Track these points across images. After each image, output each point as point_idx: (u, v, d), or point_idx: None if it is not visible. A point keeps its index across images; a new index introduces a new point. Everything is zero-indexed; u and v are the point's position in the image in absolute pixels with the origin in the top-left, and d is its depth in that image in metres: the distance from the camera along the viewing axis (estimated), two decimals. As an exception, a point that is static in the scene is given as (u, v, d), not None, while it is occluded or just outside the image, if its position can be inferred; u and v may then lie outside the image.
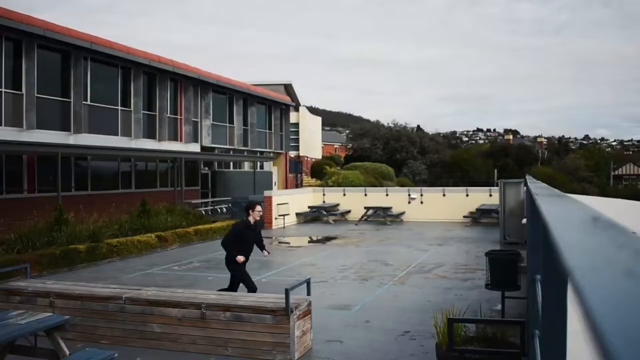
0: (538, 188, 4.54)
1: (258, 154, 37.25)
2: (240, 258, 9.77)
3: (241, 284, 9.74)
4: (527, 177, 15.87)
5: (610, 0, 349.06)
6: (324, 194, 29.73)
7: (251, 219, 10.04)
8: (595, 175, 70.70)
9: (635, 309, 0.49)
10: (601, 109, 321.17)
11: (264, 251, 10.66)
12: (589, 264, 0.70)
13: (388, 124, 64.05)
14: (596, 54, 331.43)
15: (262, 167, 37.84)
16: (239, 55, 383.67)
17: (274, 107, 39.75)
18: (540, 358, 3.24)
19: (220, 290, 9.55)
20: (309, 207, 27.98)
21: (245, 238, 9.95)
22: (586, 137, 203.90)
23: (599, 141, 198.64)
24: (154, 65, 26.28)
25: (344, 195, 29.40)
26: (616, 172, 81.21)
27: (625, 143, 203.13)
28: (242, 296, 8.51)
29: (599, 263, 0.70)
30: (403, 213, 27.97)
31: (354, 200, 28.69)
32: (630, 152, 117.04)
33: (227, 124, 33.85)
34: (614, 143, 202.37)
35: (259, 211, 10.21)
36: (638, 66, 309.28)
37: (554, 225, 1.24)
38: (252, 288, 9.56)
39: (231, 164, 35.57)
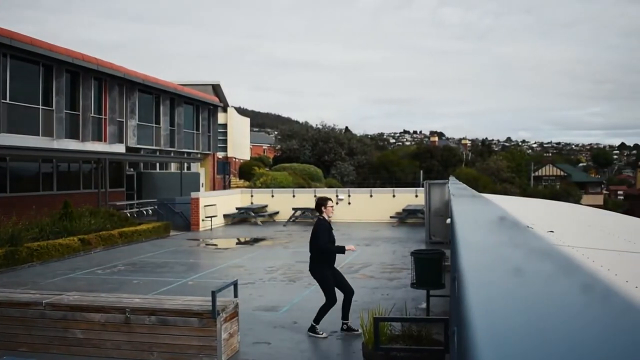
0: (456, 189, 4.66)
1: (185, 155, 36.77)
2: (352, 247, 9.48)
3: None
4: (451, 178, 16.24)
5: (531, 7, 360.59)
6: (252, 195, 29.62)
7: (325, 216, 9.32)
8: (516, 176, 72.85)
9: (513, 307, 0.52)
10: (523, 112, 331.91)
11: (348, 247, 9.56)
12: (482, 262, 0.73)
13: (317, 125, 64.32)
14: (518, 59, 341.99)
15: (189, 168, 37.37)
16: (167, 54, 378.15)
17: (201, 108, 39.30)
18: (457, 354, 3.33)
19: (322, 307, 8.87)
20: (237, 208, 27.81)
21: (332, 236, 9.24)
22: (508, 139, 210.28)
23: (520, 143, 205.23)
24: (78, 64, 25.56)
25: (273, 196, 29.37)
26: (536, 173, 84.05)
27: (545, 145, 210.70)
28: (167, 299, 8.39)
29: (491, 261, 0.73)
30: (331, 214, 28.12)
31: (283, 202, 28.70)
32: (550, 154, 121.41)
33: (154, 125, 33.27)
34: (534, 145, 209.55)
35: (332, 206, 9.48)
36: (557, 71, 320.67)
37: (461, 225, 1.29)
38: (337, 297, 8.93)
39: (157, 165, 34.97)
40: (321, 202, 9.34)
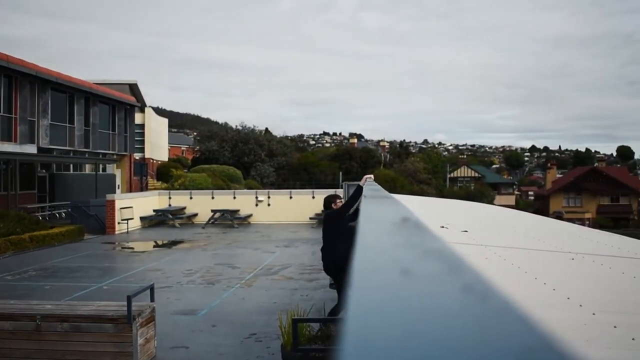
0: (369, 190, 4.73)
1: (100, 156, 35.80)
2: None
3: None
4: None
5: (449, 13, 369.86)
6: (170, 197, 29.15)
7: None
8: (433, 177, 74.55)
9: (390, 307, 0.53)
10: (439, 115, 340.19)
11: None
12: (373, 263, 0.75)
13: (236, 126, 63.87)
14: (435, 63, 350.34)
15: (104, 169, 36.44)
16: (82, 52, 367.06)
17: (118, 108, 38.35)
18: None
19: (331, 312, 8.51)
20: (154, 210, 27.32)
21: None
22: (425, 141, 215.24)
23: (436, 145, 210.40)
24: (-15, 61, 24.51)
25: (191, 198, 29.00)
26: (452, 175, 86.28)
27: (460, 147, 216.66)
28: (81, 305, 8.14)
29: (382, 262, 0.74)
30: (250, 215, 28.05)
31: (201, 204, 28.39)
32: (465, 156, 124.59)
33: (67, 124, 32.21)
34: (450, 147, 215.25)
35: (341, 202, 9.21)
36: (473, 76, 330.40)
37: (363, 225, 1.30)
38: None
39: (71, 166, 33.92)
40: (331, 200, 9.21)
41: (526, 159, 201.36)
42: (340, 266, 8.00)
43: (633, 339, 3.08)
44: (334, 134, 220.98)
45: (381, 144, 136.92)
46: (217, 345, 8.37)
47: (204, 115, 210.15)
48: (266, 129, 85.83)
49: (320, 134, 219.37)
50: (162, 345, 8.08)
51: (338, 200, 9.12)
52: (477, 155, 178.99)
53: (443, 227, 8.55)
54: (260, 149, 57.69)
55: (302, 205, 27.65)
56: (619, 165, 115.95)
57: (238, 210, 27.51)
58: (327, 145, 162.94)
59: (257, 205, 28.43)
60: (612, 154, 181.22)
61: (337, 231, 8.54)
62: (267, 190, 31.35)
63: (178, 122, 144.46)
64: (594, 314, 3.63)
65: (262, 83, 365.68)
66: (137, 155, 44.98)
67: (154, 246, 20.78)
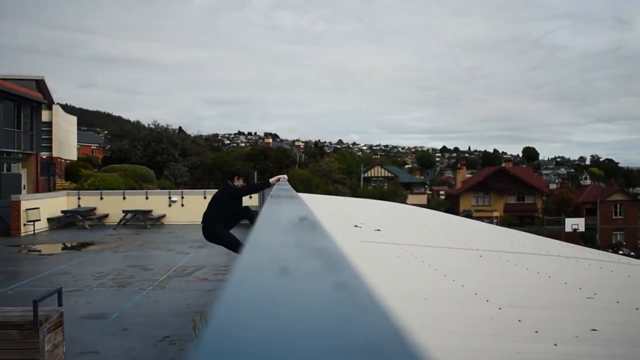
0: (278, 189, 4.75)
1: (4, 155, 34.32)
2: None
3: None
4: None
5: (362, 15, 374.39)
6: (79, 198, 28.28)
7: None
8: (347, 177, 75.36)
9: (257, 305, 0.55)
10: (353, 115, 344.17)
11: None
12: (256, 261, 0.76)
13: (149, 125, 62.55)
14: (349, 64, 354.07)
15: (9, 169, 34.95)
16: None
17: (23, 104, 36.83)
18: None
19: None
20: (62, 211, 26.42)
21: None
22: (340, 141, 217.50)
23: (351, 145, 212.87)
24: None
25: (102, 198, 28.23)
26: (366, 174, 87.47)
27: (374, 148, 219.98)
28: (-17, 311, 7.79)
29: (265, 261, 0.76)
30: (164, 216, 27.58)
31: (112, 204, 27.67)
32: (378, 156, 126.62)
33: (-32, 122, 30.75)
34: (364, 147, 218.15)
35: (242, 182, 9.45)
36: (386, 77, 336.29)
37: (260, 225, 1.31)
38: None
39: (-27, 165, 32.41)
40: (235, 173, 9.63)
41: (437, 159, 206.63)
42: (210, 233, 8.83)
43: (536, 332, 3.21)
44: (249, 133, 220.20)
45: (296, 144, 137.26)
46: (129, 349, 8.19)
47: (115, 114, 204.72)
48: (180, 127, 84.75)
49: (235, 134, 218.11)
50: (71, 350, 7.83)
51: (242, 179, 9.49)
52: (390, 156, 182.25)
53: (357, 226, 8.67)
54: (173, 148, 56.74)
55: (216, 206, 27.41)
56: (524, 166, 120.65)
57: (151, 211, 26.99)
58: (242, 144, 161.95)
59: (170, 205, 27.98)
60: (518, 155, 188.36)
61: (221, 202, 9.13)
62: (180, 191, 30.88)
63: (88, 120, 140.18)
64: (500, 308, 3.77)
65: (175, 81, 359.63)
66: (44, 154, 43.36)
67: (63, 248, 20.11)
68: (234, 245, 8.70)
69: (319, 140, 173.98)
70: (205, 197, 28.07)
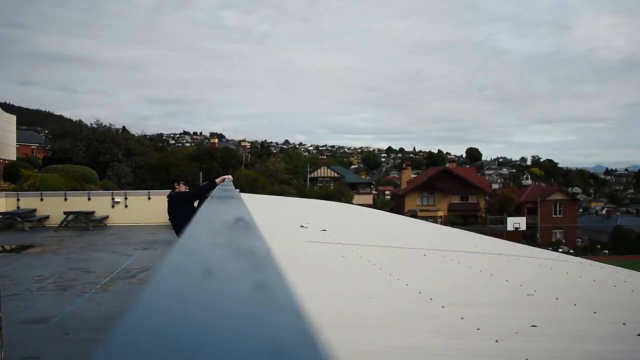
0: (220, 190, 4.74)
1: (-61, 156, 33.23)
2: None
3: None
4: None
5: (307, 16, 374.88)
6: (18, 199, 27.52)
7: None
8: (294, 178, 75.41)
9: (169, 307, 0.54)
10: (299, 115, 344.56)
11: None
12: (180, 263, 0.75)
13: (91, 124, 61.31)
14: (296, 64, 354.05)
15: (-56, 170, 33.84)
16: None
17: (-42, 104, 35.73)
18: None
19: None
20: (0, 213, 25.67)
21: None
22: (286, 141, 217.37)
23: (297, 146, 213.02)
24: None
25: (42, 200, 27.54)
26: (312, 175, 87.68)
27: (320, 148, 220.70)
28: None
29: (189, 262, 0.76)
30: (107, 217, 27.09)
31: (53, 205, 27.02)
32: (325, 157, 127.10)
33: None
34: (310, 148, 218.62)
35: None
36: (331, 78, 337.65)
37: (194, 226, 1.30)
38: None
39: None
40: (175, 180, 9.66)
41: (383, 159, 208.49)
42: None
43: (478, 329, 3.27)
44: (195, 133, 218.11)
45: (242, 144, 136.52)
46: (71, 354, 8.01)
47: (57, 112, 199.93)
48: (123, 127, 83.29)
49: (180, 134, 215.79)
50: (11, 356, 7.61)
51: (182, 183, 9.52)
52: (336, 156, 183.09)
53: (303, 226, 8.69)
54: (117, 148, 55.75)
55: (161, 207, 26.93)
56: (468, 166, 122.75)
57: (93, 212, 26.47)
58: (188, 145, 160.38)
59: (113, 206, 27.50)
60: (462, 155, 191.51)
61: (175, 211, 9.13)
62: (124, 191, 30.37)
63: (28, 119, 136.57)
64: (443, 306, 3.82)
65: (118, 80, 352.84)
66: (-19, 155, 42.09)
67: (1, 251, 19.53)
68: None
69: (265, 141, 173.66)
70: (149, 198, 27.71)
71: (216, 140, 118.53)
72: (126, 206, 27.52)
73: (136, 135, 76.57)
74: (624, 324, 3.93)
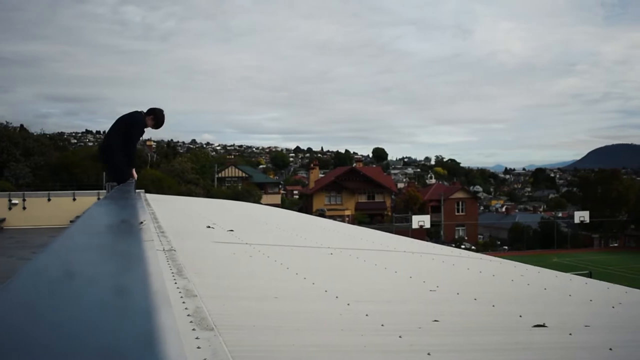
0: (116, 191, 4.65)
1: None
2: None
3: None
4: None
5: (212, 14, 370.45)
6: None
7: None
8: (201, 178, 74.49)
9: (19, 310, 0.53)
10: (206, 115, 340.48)
11: None
12: (45, 263, 0.73)
13: (-15, 123, 58.58)
14: (201, 63, 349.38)
15: None
16: None
17: None
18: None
19: None
20: None
21: None
22: (193, 141, 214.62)
23: (205, 145, 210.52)
24: None
25: None
26: (220, 175, 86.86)
27: (228, 148, 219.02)
28: None
29: (51, 266, 0.73)
30: (4, 220, 25.86)
31: (-56, 208, 25.57)
32: (233, 156, 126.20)
33: None
34: (218, 147, 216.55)
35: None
36: (238, 77, 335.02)
37: (76, 228, 1.27)
38: None
39: None
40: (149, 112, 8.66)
41: (291, 159, 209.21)
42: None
43: (382, 325, 3.33)
44: (98, 132, 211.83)
45: (148, 143, 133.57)
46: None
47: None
48: (21, 125, 79.71)
49: (82, 132, 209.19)
50: None
51: (152, 118, 8.71)
52: (244, 156, 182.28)
53: (209, 227, 8.58)
54: (14, 147, 53.45)
55: (62, 208, 26.04)
56: (374, 166, 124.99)
57: (-12, 215, 25.24)
58: (90, 144, 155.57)
59: (10, 208, 26.28)
60: (368, 155, 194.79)
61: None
62: (22, 193, 29.08)
63: None
64: (348, 304, 3.86)
65: (14, 76, 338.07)
66: None
67: None
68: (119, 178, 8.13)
69: (171, 140, 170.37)
70: (49, 200, 26.67)
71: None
72: (24, 208, 26.35)
73: (35, 134, 73.63)
74: (520, 316, 4.09)
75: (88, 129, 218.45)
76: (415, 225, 64.67)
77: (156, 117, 8.79)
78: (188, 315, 2.92)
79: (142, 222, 6.83)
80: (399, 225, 64.96)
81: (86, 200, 26.47)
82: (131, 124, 8.54)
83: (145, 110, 8.79)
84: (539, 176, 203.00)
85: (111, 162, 8.43)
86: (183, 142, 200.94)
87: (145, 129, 8.73)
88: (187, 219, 10.76)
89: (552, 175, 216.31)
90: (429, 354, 2.80)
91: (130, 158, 8.64)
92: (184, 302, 3.19)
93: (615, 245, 76.30)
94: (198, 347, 2.41)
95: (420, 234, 58.71)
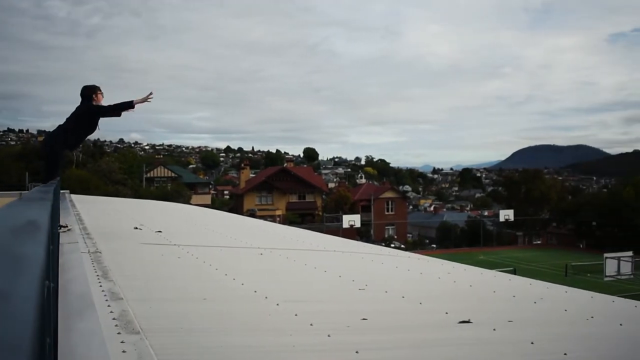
0: (35, 192, 4.51)
1: None
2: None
3: None
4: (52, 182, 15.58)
5: (140, 10, 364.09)
6: None
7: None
8: (129, 178, 72.98)
9: None
10: (134, 114, 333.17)
11: None
12: None
13: None
14: (128, 60, 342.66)
15: None
16: None
17: None
18: None
19: None
20: None
21: None
22: (121, 140, 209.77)
23: (133, 145, 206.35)
24: None
25: None
26: (149, 175, 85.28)
27: (157, 147, 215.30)
28: None
29: None
30: None
31: None
32: (161, 156, 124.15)
33: None
34: (147, 147, 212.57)
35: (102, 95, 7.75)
36: (167, 75, 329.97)
37: None
38: None
39: None
40: (94, 90, 7.87)
41: (222, 159, 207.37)
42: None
43: (311, 325, 3.34)
44: (20, 131, 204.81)
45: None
46: None
47: None
48: (-64, 125, 76.42)
49: (4, 131, 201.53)
50: None
51: (99, 92, 7.98)
52: (174, 156, 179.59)
53: (137, 228, 8.43)
54: None
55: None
56: (305, 166, 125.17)
57: None
58: (13, 143, 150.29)
59: None
60: (299, 155, 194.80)
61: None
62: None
63: None
64: (278, 304, 3.86)
65: None
66: None
67: None
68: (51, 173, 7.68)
69: (98, 139, 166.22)
70: (-32, 201, 25.64)
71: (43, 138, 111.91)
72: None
73: (-48, 133, 70.50)
74: (446, 313, 4.18)
75: (10, 127, 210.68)
76: (345, 225, 65.08)
77: (95, 89, 8.10)
78: (113, 318, 2.86)
79: (63, 226, 6.63)
80: (329, 225, 65.25)
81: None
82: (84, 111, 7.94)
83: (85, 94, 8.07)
84: (466, 176, 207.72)
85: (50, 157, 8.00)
86: (110, 142, 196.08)
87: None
88: (114, 220, 10.54)
89: (479, 175, 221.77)
90: (357, 352, 2.83)
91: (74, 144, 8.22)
92: (109, 306, 3.12)
93: (539, 242, 78.75)
94: (123, 352, 2.37)
95: (351, 233, 59.16)
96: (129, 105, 7.93)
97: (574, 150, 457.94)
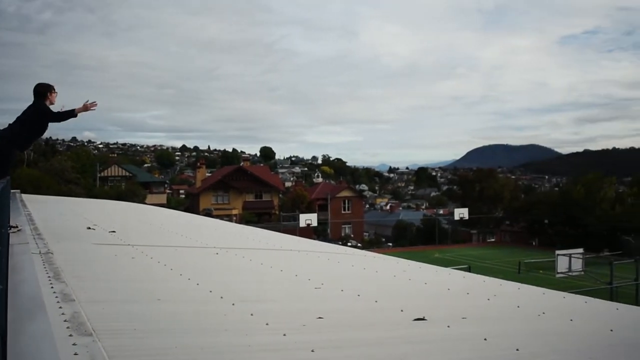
0: None
1: None
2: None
3: None
4: (1, 181, 15.22)
5: (94, 6, 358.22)
6: None
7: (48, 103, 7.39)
8: (82, 177, 71.77)
9: None
10: (87, 112, 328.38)
11: None
12: None
13: None
14: (81, 57, 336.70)
15: None
16: None
17: None
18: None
19: None
20: None
21: None
22: (74, 139, 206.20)
23: (86, 144, 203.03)
24: None
25: None
26: (102, 174, 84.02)
27: (111, 146, 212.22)
28: None
29: None
30: None
31: None
32: (116, 155, 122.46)
33: None
34: (100, 146, 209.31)
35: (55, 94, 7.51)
36: (121, 73, 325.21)
37: None
38: None
39: None
40: (48, 89, 7.63)
41: (177, 158, 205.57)
42: None
43: (267, 324, 3.34)
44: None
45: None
46: None
47: None
48: None
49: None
50: None
51: (53, 92, 7.73)
52: (128, 154, 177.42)
53: (90, 228, 8.30)
54: None
55: None
56: (262, 165, 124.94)
57: None
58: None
59: None
60: (256, 154, 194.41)
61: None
62: None
63: None
64: (233, 304, 3.85)
65: None
66: None
67: None
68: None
69: (50, 138, 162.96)
70: None
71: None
72: None
73: None
74: (402, 310, 4.22)
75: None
76: (302, 224, 65.12)
77: (49, 87, 7.85)
78: (65, 320, 2.81)
79: (13, 227, 6.48)
80: (286, 224, 65.23)
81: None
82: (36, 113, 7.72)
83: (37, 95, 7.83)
84: (422, 175, 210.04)
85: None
86: (63, 140, 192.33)
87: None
88: (66, 220, 10.34)
89: (434, 174, 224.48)
90: (312, 350, 2.83)
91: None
92: (60, 307, 3.06)
93: (493, 240, 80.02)
94: (75, 354, 2.32)
95: (308, 232, 59.25)
96: (71, 114, 7.84)
97: (527, 149, 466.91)
